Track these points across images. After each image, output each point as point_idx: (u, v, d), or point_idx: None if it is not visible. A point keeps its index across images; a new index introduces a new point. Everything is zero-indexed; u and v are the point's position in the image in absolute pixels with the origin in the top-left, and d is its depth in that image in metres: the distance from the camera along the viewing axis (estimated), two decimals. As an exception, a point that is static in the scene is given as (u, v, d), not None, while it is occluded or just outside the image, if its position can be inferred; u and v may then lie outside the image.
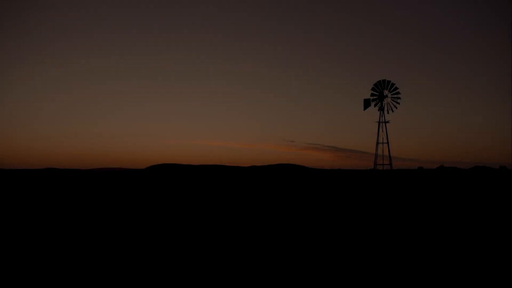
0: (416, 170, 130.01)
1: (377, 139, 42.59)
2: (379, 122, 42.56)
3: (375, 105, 42.74)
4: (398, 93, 41.97)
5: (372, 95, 42.97)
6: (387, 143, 42.36)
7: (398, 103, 41.71)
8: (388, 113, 42.15)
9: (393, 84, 42.23)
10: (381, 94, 42.51)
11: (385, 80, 42.43)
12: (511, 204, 16.66)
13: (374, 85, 42.87)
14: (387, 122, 42.27)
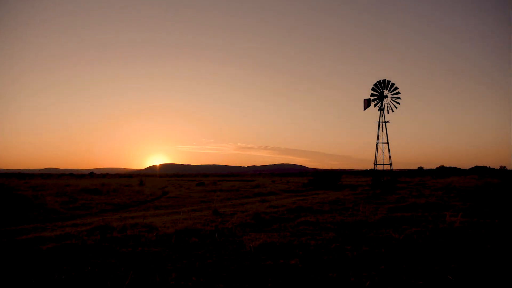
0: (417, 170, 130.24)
1: (377, 139, 42.48)
2: (379, 122, 42.43)
3: (375, 105, 42.62)
4: (398, 93, 41.87)
5: (372, 95, 42.87)
6: (387, 143, 42.25)
7: (398, 103, 41.60)
8: (388, 113, 42.01)
9: (393, 84, 42.14)
10: (381, 94, 42.39)
11: (385, 80, 42.32)
12: None
13: (374, 85, 42.74)
14: (387, 122, 42.17)
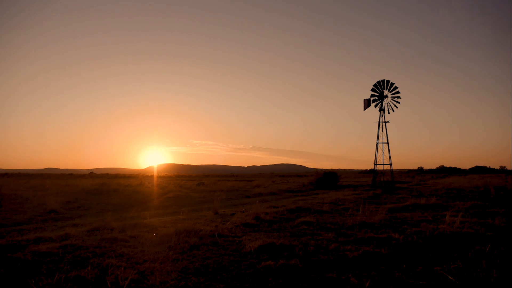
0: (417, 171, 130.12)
1: (377, 139, 42.47)
2: (379, 122, 42.42)
3: (375, 106, 42.60)
4: (398, 92, 41.84)
5: (372, 95, 42.85)
6: (387, 143, 42.24)
7: (398, 103, 41.59)
8: (388, 113, 42.00)
9: (392, 84, 42.12)
10: (381, 94, 42.37)
11: (384, 80, 42.29)
12: None
13: (374, 85, 42.72)
14: (387, 122, 42.16)
